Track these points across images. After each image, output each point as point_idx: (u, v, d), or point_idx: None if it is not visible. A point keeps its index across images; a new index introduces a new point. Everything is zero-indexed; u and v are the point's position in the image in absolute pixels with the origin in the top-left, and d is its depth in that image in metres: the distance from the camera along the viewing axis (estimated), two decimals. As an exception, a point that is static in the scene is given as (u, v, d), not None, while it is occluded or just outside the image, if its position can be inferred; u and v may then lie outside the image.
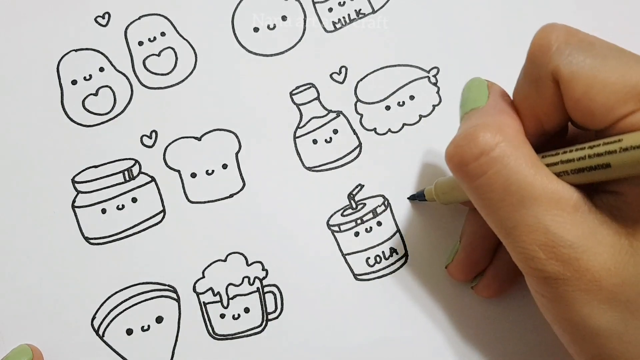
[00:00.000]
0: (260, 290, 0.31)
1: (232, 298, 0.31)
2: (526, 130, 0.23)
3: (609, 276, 0.20)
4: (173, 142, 0.33)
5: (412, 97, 0.33)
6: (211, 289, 0.31)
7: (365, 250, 0.31)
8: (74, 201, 0.32)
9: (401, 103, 0.33)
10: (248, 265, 0.31)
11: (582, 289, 0.21)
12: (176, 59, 0.34)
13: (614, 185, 0.21)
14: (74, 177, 0.32)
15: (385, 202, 0.32)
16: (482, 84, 0.25)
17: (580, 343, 0.22)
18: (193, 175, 0.33)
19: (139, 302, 0.31)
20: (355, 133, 0.33)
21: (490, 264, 0.29)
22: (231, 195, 0.32)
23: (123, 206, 0.32)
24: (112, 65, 0.34)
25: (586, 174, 0.21)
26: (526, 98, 0.23)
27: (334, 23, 0.35)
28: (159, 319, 0.31)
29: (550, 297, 0.22)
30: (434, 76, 0.34)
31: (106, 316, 0.31)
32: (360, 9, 0.35)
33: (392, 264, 0.31)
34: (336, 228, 0.32)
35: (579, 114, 0.21)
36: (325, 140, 0.33)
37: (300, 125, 0.33)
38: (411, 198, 0.32)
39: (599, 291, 0.20)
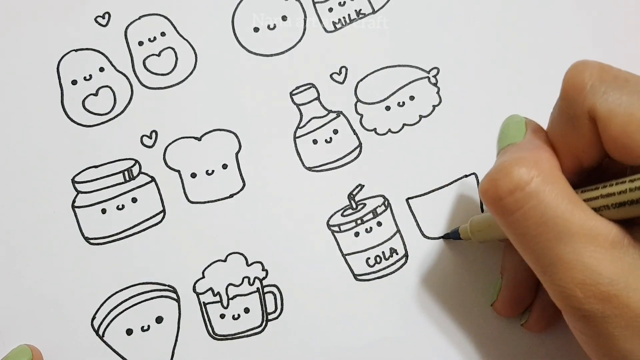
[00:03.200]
0: (260, 290, 0.31)
1: (232, 298, 0.31)
2: (563, 167, 0.23)
3: None
4: (173, 142, 0.33)
5: (412, 98, 0.33)
6: (211, 289, 0.31)
7: (365, 250, 0.31)
8: (74, 201, 0.32)
9: (401, 103, 0.33)
10: (248, 265, 0.31)
11: (622, 325, 0.20)
12: (176, 59, 0.34)
13: None
14: (74, 177, 0.32)
15: (385, 202, 0.32)
16: (521, 120, 0.25)
17: None
18: (193, 175, 0.33)
19: (139, 302, 0.31)
20: (355, 133, 0.33)
21: (536, 299, 0.29)
22: (231, 196, 0.32)
23: (123, 206, 0.32)
24: (112, 65, 0.34)
25: (627, 208, 0.21)
26: (562, 136, 0.23)
27: (334, 23, 0.35)
28: (159, 319, 0.31)
29: (589, 334, 0.21)
30: (434, 76, 0.34)
31: (106, 316, 0.31)
32: (360, 9, 0.35)
33: (392, 264, 0.31)
34: (336, 228, 0.32)
35: (617, 151, 0.21)
36: (326, 141, 0.33)
37: (301, 126, 0.33)
38: (445, 237, 0.31)
39: None
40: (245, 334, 0.31)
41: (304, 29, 0.35)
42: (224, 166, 0.33)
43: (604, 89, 0.21)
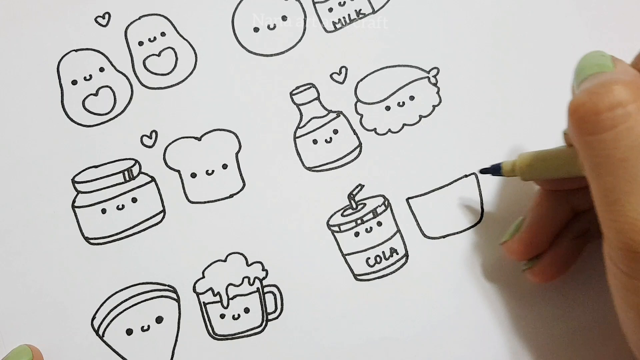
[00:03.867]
0: (260, 290, 0.31)
1: (232, 298, 0.31)
2: None
3: None
4: (173, 142, 0.33)
5: (412, 98, 0.33)
6: (211, 289, 0.31)
7: (366, 250, 0.31)
8: (74, 201, 0.32)
9: (401, 103, 0.33)
10: (248, 265, 0.31)
11: None
12: (176, 59, 0.34)
13: None
14: (74, 177, 0.32)
15: (386, 202, 0.32)
16: (605, 54, 0.24)
17: None
18: (193, 175, 0.33)
19: (139, 302, 0.31)
20: (355, 133, 0.33)
21: (549, 250, 0.29)
22: (231, 196, 0.32)
23: (123, 206, 0.32)
24: (112, 65, 0.34)
25: None
26: None
27: (334, 23, 0.35)
28: (159, 319, 0.31)
29: (633, 274, 0.20)
30: (434, 76, 0.34)
31: (106, 316, 0.31)
32: (360, 9, 0.35)
33: (392, 264, 0.31)
34: (336, 228, 0.32)
35: None
36: (326, 141, 0.33)
37: (301, 125, 0.33)
38: (483, 171, 0.30)
39: None
40: (245, 334, 0.31)
41: (304, 29, 0.35)
42: (224, 166, 0.33)
43: None
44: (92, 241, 0.32)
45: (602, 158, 0.21)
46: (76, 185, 0.32)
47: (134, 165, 0.33)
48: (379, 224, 0.32)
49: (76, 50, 0.34)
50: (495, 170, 0.29)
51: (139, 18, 0.35)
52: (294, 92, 0.34)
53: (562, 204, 0.28)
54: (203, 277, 0.31)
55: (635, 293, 0.21)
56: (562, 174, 0.26)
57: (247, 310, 0.31)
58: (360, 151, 0.33)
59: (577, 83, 0.24)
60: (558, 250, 0.29)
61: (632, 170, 0.20)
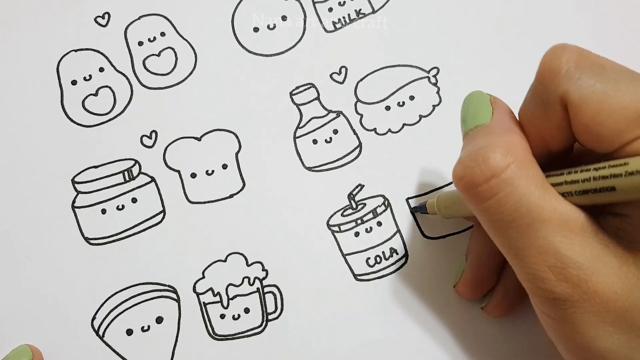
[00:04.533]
0: (260, 290, 0.31)
1: (232, 298, 0.31)
2: (532, 150, 0.23)
3: (616, 299, 0.20)
4: (173, 142, 0.33)
5: (412, 98, 0.33)
6: (211, 289, 0.31)
7: (366, 250, 0.31)
8: (74, 201, 0.32)
9: (401, 103, 0.33)
10: (248, 265, 0.31)
11: (589, 311, 0.21)
12: (176, 59, 0.34)
13: (619, 208, 0.21)
14: (74, 177, 0.32)
15: (386, 202, 0.32)
16: (485, 98, 0.25)
17: None
18: (193, 175, 0.33)
19: (139, 303, 0.31)
20: (355, 133, 0.33)
21: (498, 283, 0.29)
22: (231, 196, 0.32)
23: (123, 206, 0.32)
24: (112, 65, 0.34)
25: (591, 195, 0.21)
26: (533, 118, 0.23)
27: (334, 23, 0.35)
28: (159, 319, 0.31)
29: (557, 318, 0.22)
30: (434, 76, 0.34)
31: (106, 316, 0.31)
32: (360, 9, 0.35)
33: (392, 264, 0.31)
34: (336, 228, 0.32)
35: (586, 138, 0.21)
36: (325, 141, 0.33)
37: (300, 125, 0.33)
38: (413, 210, 0.32)
39: (607, 314, 0.20)
40: (245, 334, 0.31)
41: (304, 29, 0.35)
42: (224, 166, 0.33)
43: (578, 75, 0.21)
44: (92, 241, 0.32)
45: (491, 222, 0.22)
46: (76, 185, 0.32)
47: (134, 165, 0.33)
48: (379, 224, 0.32)
49: (76, 51, 0.34)
50: (422, 209, 0.31)
51: (139, 18, 0.35)
52: (293, 92, 0.34)
53: None
54: (203, 277, 0.31)
55: (562, 334, 0.22)
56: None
57: (247, 311, 0.31)
58: (360, 151, 0.33)
59: (462, 136, 0.25)
60: (506, 283, 0.29)
61: (521, 230, 0.21)
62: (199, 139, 0.33)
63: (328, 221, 0.32)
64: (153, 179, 0.32)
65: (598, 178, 0.20)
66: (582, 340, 0.21)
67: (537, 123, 0.23)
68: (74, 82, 0.34)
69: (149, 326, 0.31)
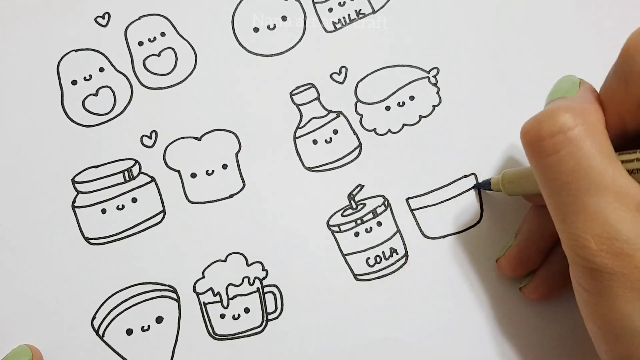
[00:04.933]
0: (260, 290, 0.31)
1: (232, 298, 0.31)
2: (608, 126, 0.23)
3: None
4: (173, 142, 0.33)
5: (412, 98, 0.33)
6: (211, 289, 0.31)
7: (365, 250, 0.31)
8: (74, 201, 0.32)
9: (401, 103, 0.33)
10: (248, 265, 0.31)
11: (627, 286, 0.20)
12: (176, 59, 0.34)
13: None
14: (74, 177, 0.32)
15: (385, 203, 0.32)
16: (575, 79, 0.25)
17: (612, 342, 0.22)
18: (193, 175, 0.33)
19: (139, 302, 0.31)
20: (355, 133, 0.33)
21: (541, 266, 0.29)
22: (231, 196, 0.32)
23: (123, 206, 0.32)
24: (112, 65, 0.34)
25: None
26: (614, 94, 0.23)
27: (334, 23, 0.35)
28: (159, 319, 0.31)
29: (592, 290, 0.22)
30: (434, 76, 0.34)
31: (106, 316, 0.31)
32: (360, 9, 0.35)
33: (392, 264, 0.31)
34: (336, 228, 0.32)
35: None
36: (326, 141, 0.33)
37: (300, 126, 0.33)
38: (475, 187, 0.32)
39: None
40: (245, 334, 0.31)
41: (304, 29, 0.35)
42: (224, 166, 0.33)
43: None
44: (92, 241, 0.32)
45: (548, 180, 0.22)
46: (76, 185, 0.32)
47: (134, 165, 0.33)
48: (379, 224, 0.32)
49: (76, 51, 0.34)
50: (485, 185, 0.31)
51: (139, 18, 0.35)
52: (294, 92, 0.34)
53: (551, 218, 0.28)
54: (203, 277, 0.31)
55: (594, 309, 0.22)
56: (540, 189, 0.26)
57: (247, 310, 0.31)
58: (360, 151, 0.33)
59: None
60: (550, 267, 0.29)
61: (576, 192, 0.21)
62: (199, 139, 0.33)
63: (328, 221, 0.32)
64: (153, 179, 0.32)
65: None
66: (615, 315, 0.21)
67: (617, 99, 0.23)
68: (74, 82, 0.34)
69: (149, 326, 0.31)
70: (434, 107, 0.33)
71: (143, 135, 0.33)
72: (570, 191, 0.21)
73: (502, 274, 0.30)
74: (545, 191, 0.23)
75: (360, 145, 0.33)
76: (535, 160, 0.23)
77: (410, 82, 0.34)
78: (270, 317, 0.31)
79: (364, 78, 0.34)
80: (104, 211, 0.32)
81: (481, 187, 0.32)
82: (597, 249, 0.21)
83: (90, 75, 0.34)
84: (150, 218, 0.32)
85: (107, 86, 0.34)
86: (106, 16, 0.35)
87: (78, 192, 0.32)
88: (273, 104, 0.33)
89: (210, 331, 0.31)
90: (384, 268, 0.31)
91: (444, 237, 0.32)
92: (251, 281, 0.31)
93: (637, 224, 0.21)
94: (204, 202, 0.32)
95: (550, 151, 0.22)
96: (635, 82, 0.22)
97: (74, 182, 0.32)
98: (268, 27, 0.35)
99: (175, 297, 0.31)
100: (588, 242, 0.21)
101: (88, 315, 0.31)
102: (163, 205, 0.32)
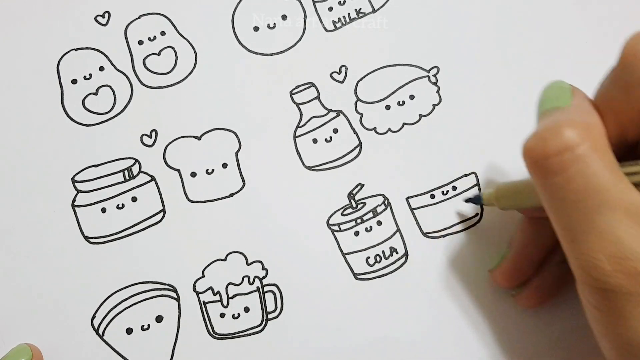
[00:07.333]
0: (260, 289, 0.31)
1: (232, 297, 0.31)
2: (608, 137, 0.22)
3: None
4: (173, 141, 0.33)
5: (412, 97, 0.33)
6: (211, 288, 0.31)
7: (365, 249, 0.31)
8: (73, 200, 0.32)
9: (401, 102, 0.33)
10: (248, 264, 0.31)
11: None
12: (176, 58, 0.34)
13: None
14: (74, 176, 0.32)
15: (385, 202, 0.32)
16: (565, 85, 0.24)
17: None
18: (193, 174, 0.33)
19: (139, 302, 0.31)
20: (355, 132, 0.33)
21: (535, 276, 0.29)
22: (231, 195, 0.32)
23: (123, 205, 0.32)
24: (112, 64, 0.34)
25: None
26: (613, 102, 0.22)
27: (334, 22, 0.35)
28: (159, 318, 0.31)
29: (605, 310, 0.21)
30: (434, 76, 0.34)
31: (106, 315, 0.31)
32: (360, 9, 0.35)
33: (392, 263, 0.31)
34: (336, 227, 0.32)
35: None
36: (325, 140, 0.33)
37: (300, 125, 0.33)
38: (467, 201, 0.31)
39: None
40: (245, 333, 0.31)
41: (304, 28, 0.35)
42: (224, 165, 0.33)
43: None
44: (92, 240, 0.32)
45: (556, 200, 0.21)
46: (76, 184, 0.32)
47: (133, 164, 0.33)
48: (379, 223, 0.32)
49: (76, 50, 0.34)
50: (477, 199, 0.30)
51: (139, 17, 0.35)
52: (293, 92, 0.34)
53: (545, 230, 0.28)
54: (203, 276, 0.31)
55: (609, 328, 0.21)
56: (537, 204, 0.26)
57: (247, 310, 0.31)
58: (360, 150, 0.33)
59: (537, 117, 0.24)
60: (544, 276, 0.29)
61: (586, 211, 0.21)
62: (199, 138, 0.33)
63: (328, 220, 0.32)
64: (153, 178, 0.32)
65: None
66: (630, 334, 0.20)
67: (617, 108, 0.22)
68: (74, 81, 0.34)
69: (148, 325, 0.31)
70: (434, 106, 0.33)
71: (143, 134, 0.33)
72: (579, 210, 0.21)
73: (495, 284, 0.30)
74: (551, 210, 0.22)
75: (360, 144, 0.33)
76: (541, 180, 0.22)
77: (410, 81, 0.34)
78: (270, 316, 0.31)
79: (364, 77, 0.34)
80: (103, 210, 0.32)
81: (473, 202, 0.31)
82: (611, 269, 0.20)
83: (90, 74, 0.34)
84: (150, 217, 0.32)
85: (107, 85, 0.34)
86: (106, 15, 0.35)
87: (78, 191, 0.32)
88: (273, 103, 0.33)
89: (210, 330, 0.31)
90: (384, 267, 0.31)
91: (444, 236, 0.32)
92: (251, 280, 0.31)
93: None
94: (204, 201, 0.32)
95: (557, 170, 0.21)
96: (636, 90, 0.21)
97: (73, 181, 0.32)
98: (268, 26, 0.35)
99: (175, 297, 0.31)
100: (601, 262, 0.20)
101: (88, 314, 0.31)
102: (163, 205, 0.32)
